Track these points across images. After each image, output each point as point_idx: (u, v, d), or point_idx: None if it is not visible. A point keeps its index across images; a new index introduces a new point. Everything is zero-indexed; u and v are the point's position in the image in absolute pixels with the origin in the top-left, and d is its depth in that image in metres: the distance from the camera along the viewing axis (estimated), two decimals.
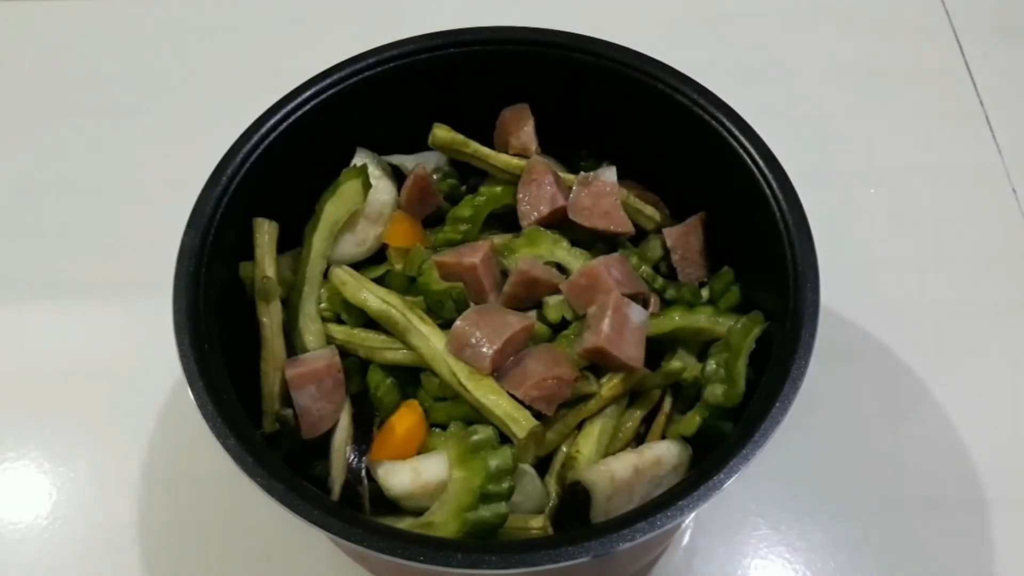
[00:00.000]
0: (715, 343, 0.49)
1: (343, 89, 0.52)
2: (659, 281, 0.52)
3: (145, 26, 0.84)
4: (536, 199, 0.53)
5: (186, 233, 0.46)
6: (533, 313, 0.50)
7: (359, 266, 0.53)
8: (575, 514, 0.45)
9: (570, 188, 0.54)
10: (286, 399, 0.48)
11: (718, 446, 0.41)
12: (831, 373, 0.57)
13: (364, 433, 0.48)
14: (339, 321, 0.52)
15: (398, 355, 0.49)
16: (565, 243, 0.52)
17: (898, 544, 0.57)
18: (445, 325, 0.48)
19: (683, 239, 0.54)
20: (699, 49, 0.79)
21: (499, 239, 0.53)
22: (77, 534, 0.58)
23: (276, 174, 0.51)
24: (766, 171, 0.48)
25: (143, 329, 0.61)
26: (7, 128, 0.77)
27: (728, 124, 0.49)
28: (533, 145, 0.55)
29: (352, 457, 0.47)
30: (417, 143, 0.56)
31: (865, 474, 0.60)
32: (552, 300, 0.50)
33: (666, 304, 0.51)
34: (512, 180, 0.55)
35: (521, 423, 0.44)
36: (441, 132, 0.54)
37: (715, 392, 0.47)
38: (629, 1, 0.85)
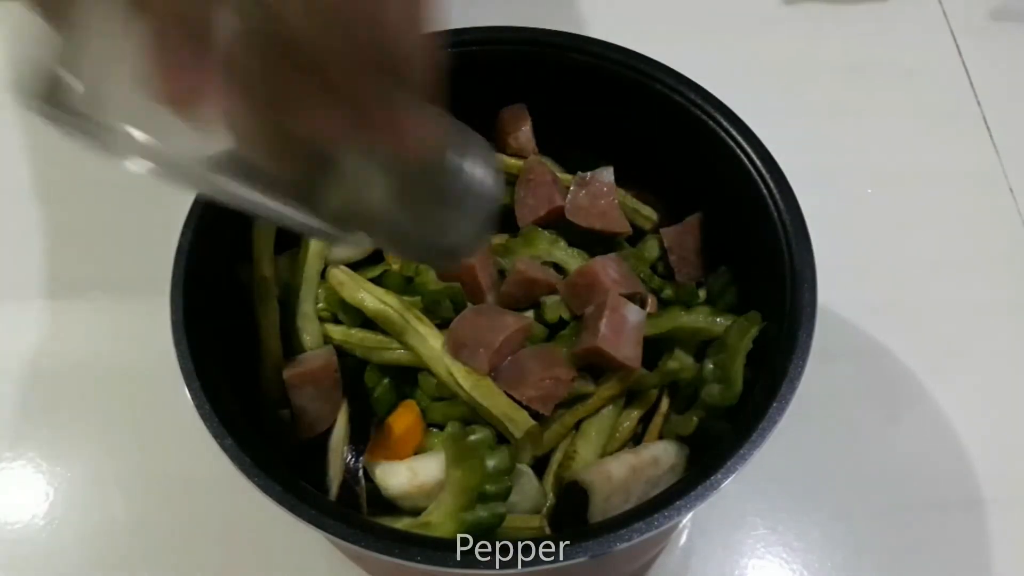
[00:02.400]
0: (712, 343, 0.49)
1: None
2: (656, 281, 0.52)
3: None
4: (533, 199, 0.53)
5: (183, 233, 0.46)
6: (530, 313, 0.50)
7: (356, 266, 0.53)
8: (572, 514, 0.45)
9: (567, 188, 0.54)
10: (283, 399, 0.48)
11: (715, 446, 0.42)
12: (828, 373, 0.57)
13: (361, 433, 0.48)
14: (336, 321, 0.51)
15: (395, 355, 0.49)
16: (562, 243, 0.52)
17: (896, 544, 0.57)
18: (442, 325, 0.48)
19: (680, 239, 0.54)
20: (697, 50, 0.79)
21: (496, 239, 0.53)
22: (74, 534, 0.58)
23: None
24: (763, 171, 0.48)
25: (140, 329, 0.61)
26: (5, 128, 0.77)
27: (725, 124, 0.49)
28: (531, 145, 0.55)
29: (349, 457, 0.47)
30: None
31: (863, 474, 0.60)
32: (549, 300, 0.50)
33: (663, 304, 0.52)
34: (510, 180, 0.55)
35: (518, 423, 0.44)
36: None
37: (712, 392, 0.47)
38: (628, 1, 0.85)
